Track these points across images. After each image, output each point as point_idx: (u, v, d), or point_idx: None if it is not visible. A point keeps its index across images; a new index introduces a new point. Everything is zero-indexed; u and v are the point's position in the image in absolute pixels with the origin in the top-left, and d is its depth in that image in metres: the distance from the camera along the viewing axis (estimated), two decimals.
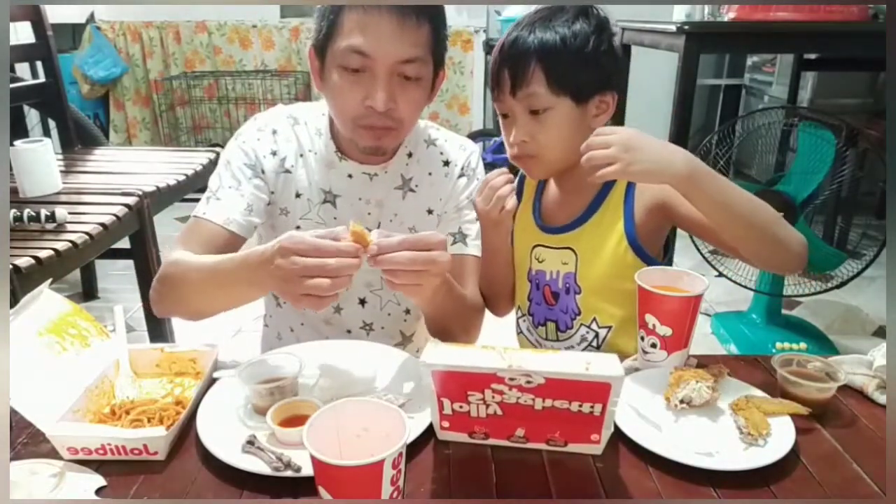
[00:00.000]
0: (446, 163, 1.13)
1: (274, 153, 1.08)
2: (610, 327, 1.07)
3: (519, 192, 1.18)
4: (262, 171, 1.07)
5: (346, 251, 0.76)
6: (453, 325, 1.06)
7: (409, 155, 1.12)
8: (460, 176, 1.14)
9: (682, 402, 0.83)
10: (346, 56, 0.94)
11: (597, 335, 1.08)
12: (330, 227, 1.08)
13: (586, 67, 0.97)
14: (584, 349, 1.09)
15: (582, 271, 1.06)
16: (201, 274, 0.92)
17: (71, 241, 1.54)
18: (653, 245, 1.05)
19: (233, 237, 1.03)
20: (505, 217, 1.03)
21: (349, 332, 1.16)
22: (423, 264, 0.79)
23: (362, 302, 1.15)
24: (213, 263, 0.91)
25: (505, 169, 1.02)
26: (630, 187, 1.04)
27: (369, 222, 1.10)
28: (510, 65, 0.97)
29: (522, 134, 0.99)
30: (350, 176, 1.09)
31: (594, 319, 1.07)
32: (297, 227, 1.09)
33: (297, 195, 1.09)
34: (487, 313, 1.18)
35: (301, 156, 1.09)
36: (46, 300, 0.85)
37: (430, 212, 1.13)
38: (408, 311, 1.19)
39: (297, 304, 0.78)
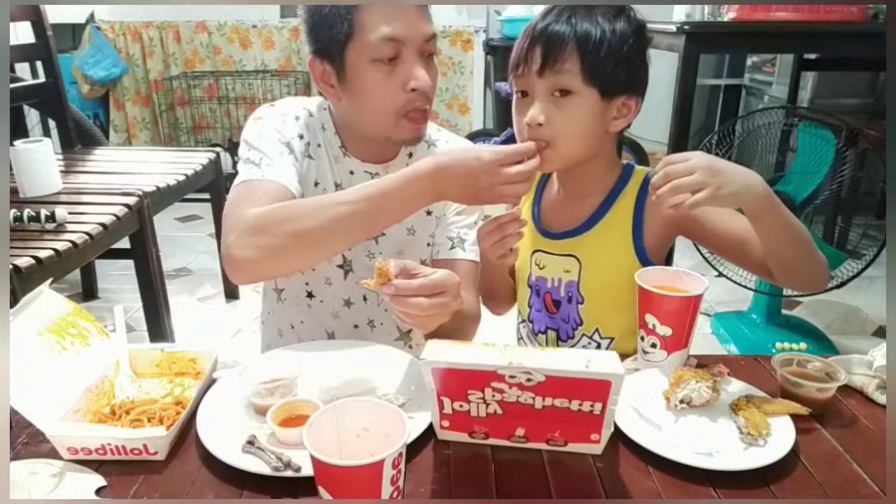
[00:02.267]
0: None
1: (301, 136, 1.07)
2: (612, 339, 1.05)
3: None
4: (292, 152, 1.05)
5: (522, 152, 0.86)
6: (446, 335, 1.04)
7: (410, 155, 1.12)
8: None
9: (682, 402, 0.83)
10: (379, 48, 0.95)
11: (598, 346, 1.06)
12: None
13: (620, 65, 0.94)
14: None
15: (585, 280, 1.04)
16: (343, 205, 0.88)
17: (71, 241, 1.54)
18: (658, 257, 1.03)
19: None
20: (502, 263, 0.98)
21: (356, 326, 1.16)
22: (435, 308, 0.80)
23: (364, 298, 1.15)
24: (357, 190, 0.89)
25: (519, 209, 0.97)
26: (640, 197, 1.01)
27: None
28: (544, 43, 0.92)
29: (540, 114, 0.93)
30: (352, 173, 1.09)
31: (596, 330, 1.05)
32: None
33: (316, 184, 1.09)
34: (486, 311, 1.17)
35: (319, 145, 1.09)
36: (46, 300, 0.85)
37: (428, 213, 1.13)
38: None
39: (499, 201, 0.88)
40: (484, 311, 1.16)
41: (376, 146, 1.07)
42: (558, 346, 1.09)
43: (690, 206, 0.82)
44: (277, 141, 1.04)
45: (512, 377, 0.70)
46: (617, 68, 0.93)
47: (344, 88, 1.00)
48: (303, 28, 1.02)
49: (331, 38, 0.96)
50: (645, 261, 1.00)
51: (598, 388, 0.70)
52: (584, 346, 1.07)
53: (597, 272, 1.03)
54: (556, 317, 1.08)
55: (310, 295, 1.15)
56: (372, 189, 0.88)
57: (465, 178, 0.85)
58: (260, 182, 0.97)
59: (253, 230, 0.89)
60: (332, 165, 1.09)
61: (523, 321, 1.15)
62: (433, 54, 1.01)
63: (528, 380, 0.70)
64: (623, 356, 1.02)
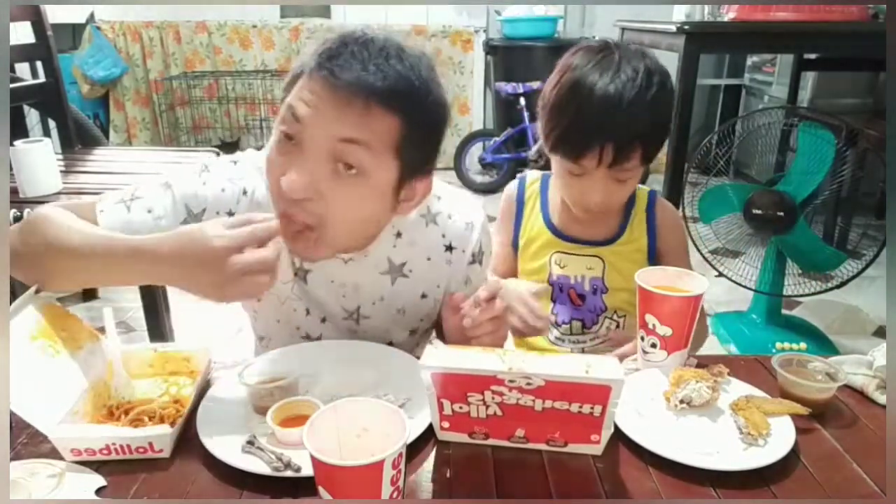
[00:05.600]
0: (449, 247, 0.99)
1: (229, 214, 0.89)
2: (625, 315, 1.17)
3: (520, 198, 1.21)
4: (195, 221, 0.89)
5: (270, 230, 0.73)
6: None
7: (398, 235, 0.96)
8: (471, 263, 1.01)
9: (682, 402, 0.83)
10: (284, 117, 0.80)
11: (618, 324, 1.18)
12: (306, 303, 0.99)
13: (664, 139, 1.07)
14: (607, 335, 1.18)
15: (610, 275, 1.15)
16: (89, 241, 0.78)
17: None
18: None
19: None
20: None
21: None
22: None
23: (352, 332, 1.04)
24: (111, 242, 0.77)
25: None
26: (651, 210, 1.14)
27: (347, 304, 1.00)
28: (615, 142, 0.99)
29: (603, 197, 1.05)
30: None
31: (615, 311, 1.18)
32: (258, 300, 1.03)
33: None
34: None
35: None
36: (35, 304, 0.84)
37: (424, 296, 1.02)
38: (390, 344, 1.02)
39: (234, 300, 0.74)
40: None
41: None
42: (583, 332, 1.19)
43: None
44: (182, 205, 0.89)
45: (511, 381, 0.70)
46: (662, 143, 1.06)
47: None
48: None
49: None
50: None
51: (598, 393, 0.70)
52: (607, 327, 1.18)
53: (620, 269, 1.15)
54: (581, 308, 1.18)
55: (261, 338, 1.10)
56: (107, 245, 0.77)
57: (207, 266, 0.71)
58: (94, 212, 0.88)
59: (20, 227, 0.82)
60: None
61: None
62: (359, 169, 0.78)
63: (528, 384, 0.70)
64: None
